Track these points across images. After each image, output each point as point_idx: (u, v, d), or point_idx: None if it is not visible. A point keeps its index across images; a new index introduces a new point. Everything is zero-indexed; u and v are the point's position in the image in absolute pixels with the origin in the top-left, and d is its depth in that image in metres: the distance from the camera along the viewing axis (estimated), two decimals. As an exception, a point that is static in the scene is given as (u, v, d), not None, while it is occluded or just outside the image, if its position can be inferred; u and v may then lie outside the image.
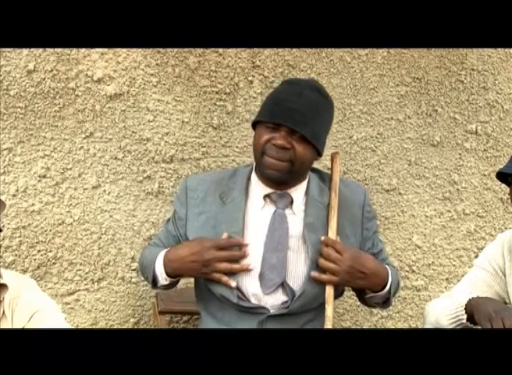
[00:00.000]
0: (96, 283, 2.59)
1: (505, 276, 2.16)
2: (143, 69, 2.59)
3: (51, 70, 2.49)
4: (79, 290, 2.58)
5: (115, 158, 2.58)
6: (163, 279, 2.21)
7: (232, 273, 2.12)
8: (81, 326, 2.58)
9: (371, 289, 2.18)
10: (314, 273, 2.10)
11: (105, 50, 2.53)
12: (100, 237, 2.59)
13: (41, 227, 2.52)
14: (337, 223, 2.15)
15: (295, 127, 2.10)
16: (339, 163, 2.25)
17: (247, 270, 2.12)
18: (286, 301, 2.14)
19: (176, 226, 2.26)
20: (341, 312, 2.86)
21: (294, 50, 2.75)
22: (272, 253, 2.14)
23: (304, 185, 2.23)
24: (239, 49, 2.68)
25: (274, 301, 2.14)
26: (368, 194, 2.33)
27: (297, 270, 2.15)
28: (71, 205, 2.55)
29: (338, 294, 2.27)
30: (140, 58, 2.58)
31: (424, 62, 2.92)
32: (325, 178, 2.27)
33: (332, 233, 2.13)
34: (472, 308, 1.97)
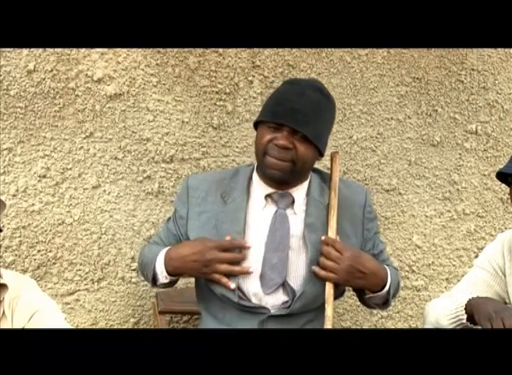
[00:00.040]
0: (96, 283, 2.59)
1: (505, 276, 2.16)
2: (143, 69, 2.59)
3: (51, 70, 2.49)
4: (79, 290, 2.58)
5: (115, 158, 2.58)
6: (163, 277, 2.21)
7: (232, 275, 2.12)
8: (81, 326, 2.58)
9: (370, 289, 2.18)
10: (315, 267, 2.10)
11: (105, 50, 2.53)
12: (100, 237, 2.59)
13: (41, 227, 2.52)
14: (337, 223, 2.15)
15: (297, 127, 2.10)
16: (338, 163, 2.25)
17: (246, 273, 2.12)
18: (287, 301, 2.14)
19: (177, 225, 2.26)
20: (341, 312, 2.86)
21: (294, 50, 2.75)
22: (273, 253, 2.14)
23: (305, 185, 2.23)
24: (239, 49, 2.68)
25: (274, 301, 2.14)
26: (370, 195, 2.33)
27: (298, 270, 2.15)
28: (71, 205, 2.55)
29: (339, 295, 2.27)
30: (140, 58, 2.58)
31: (424, 62, 2.92)
32: (326, 178, 2.26)
33: (332, 233, 2.13)
34: (472, 308, 1.97)
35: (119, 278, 2.62)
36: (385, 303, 2.24)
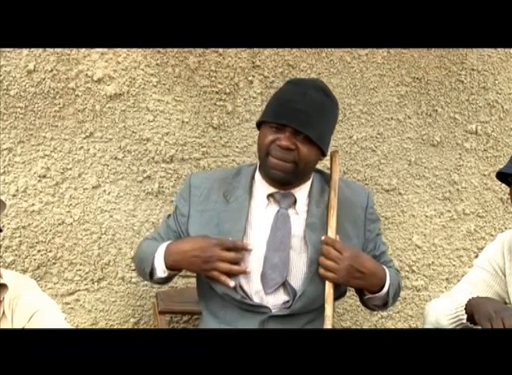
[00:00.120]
0: (96, 283, 2.59)
1: (505, 276, 2.16)
2: (143, 69, 2.59)
3: (51, 70, 2.49)
4: (79, 290, 2.58)
5: (115, 158, 2.58)
6: (161, 271, 2.20)
7: (231, 274, 2.12)
8: (81, 326, 2.58)
9: (369, 289, 2.17)
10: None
11: (105, 50, 2.53)
12: (100, 237, 2.59)
13: (41, 227, 2.52)
14: (337, 223, 2.15)
15: (299, 128, 2.09)
16: (338, 162, 2.25)
17: (244, 273, 2.12)
18: (288, 301, 2.14)
19: (178, 222, 2.26)
20: (341, 312, 2.86)
21: (294, 50, 2.75)
22: (274, 253, 2.14)
23: (307, 185, 2.23)
24: (239, 49, 2.68)
25: (275, 300, 2.14)
26: (372, 197, 2.33)
27: (299, 270, 2.15)
28: (71, 205, 2.55)
29: (340, 295, 2.27)
30: (140, 58, 2.58)
31: (424, 62, 2.92)
32: (327, 179, 2.26)
33: (332, 232, 2.13)
34: (472, 308, 1.97)
35: (119, 278, 2.62)
36: (384, 304, 2.24)
